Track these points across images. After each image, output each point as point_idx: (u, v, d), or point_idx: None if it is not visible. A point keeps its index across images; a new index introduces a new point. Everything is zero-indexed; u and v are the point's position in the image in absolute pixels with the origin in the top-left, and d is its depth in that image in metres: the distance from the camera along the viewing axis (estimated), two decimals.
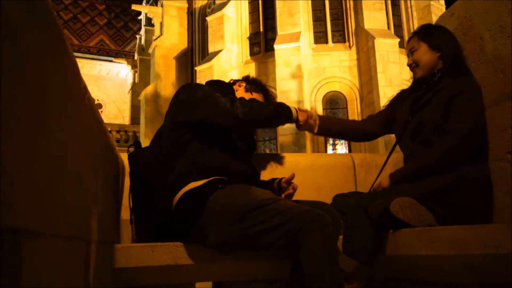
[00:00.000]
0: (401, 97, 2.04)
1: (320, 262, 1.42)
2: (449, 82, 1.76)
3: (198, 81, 14.81)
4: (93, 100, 1.21)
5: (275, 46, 13.31)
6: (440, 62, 1.84)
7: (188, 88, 1.83)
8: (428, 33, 1.90)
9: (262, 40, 14.98)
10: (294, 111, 1.89)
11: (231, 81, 2.09)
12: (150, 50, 18.78)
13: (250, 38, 15.26)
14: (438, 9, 14.44)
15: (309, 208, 1.52)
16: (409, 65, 1.93)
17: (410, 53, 1.92)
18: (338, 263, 1.46)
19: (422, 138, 1.81)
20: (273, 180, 1.96)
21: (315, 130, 2.02)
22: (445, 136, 1.70)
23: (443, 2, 15.25)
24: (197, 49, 17.63)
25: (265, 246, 1.55)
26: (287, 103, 1.93)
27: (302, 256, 1.46)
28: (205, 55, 15.91)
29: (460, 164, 1.67)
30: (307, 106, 13.13)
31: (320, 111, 13.64)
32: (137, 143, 1.90)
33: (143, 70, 20.94)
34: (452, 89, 1.73)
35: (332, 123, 2.12)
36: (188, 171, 1.65)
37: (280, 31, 13.70)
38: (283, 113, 1.85)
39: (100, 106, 26.53)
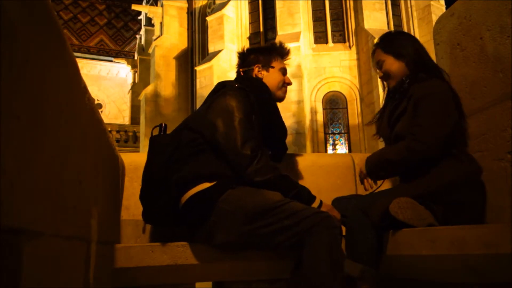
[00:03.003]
0: (381, 113, 2.03)
1: (322, 264, 1.44)
2: (417, 86, 1.76)
3: (198, 81, 14.82)
4: (93, 100, 1.21)
5: None
6: (407, 69, 1.86)
7: (229, 107, 1.71)
8: (389, 43, 1.91)
9: (262, 40, 14.97)
10: (317, 202, 1.71)
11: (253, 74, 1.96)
12: (150, 50, 18.77)
13: (250, 38, 15.26)
14: (438, 9, 14.43)
15: (318, 210, 1.56)
16: (381, 77, 1.95)
17: (378, 66, 1.93)
18: (342, 268, 1.48)
19: None
20: None
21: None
22: (407, 136, 1.70)
23: (443, 2, 15.23)
24: (197, 49, 17.63)
25: (274, 246, 1.57)
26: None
27: (306, 255, 1.48)
28: (205, 55, 15.91)
29: (437, 161, 1.68)
30: (307, 106, 13.13)
31: (320, 111, 13.64)
32: (163, 126, 1.86)
33: (143, 70, 20.94)
34: (418, 93, 1.73)
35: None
36: (196, 176, 1.64)
37: (280, 31, 13.70)
38: (302, 197, 1.70)
39: (100, 106, 26.53)
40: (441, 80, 1.78)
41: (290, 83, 2.01)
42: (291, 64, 2.13)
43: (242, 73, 2.00)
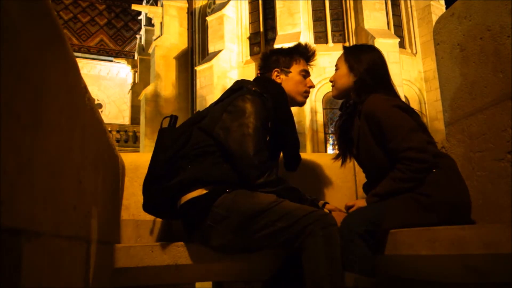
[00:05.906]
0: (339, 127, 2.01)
1: (321, 268, 1.44)
2: (364, 105, 1.75)
3: (198, 81, 14.81)
4: (93, 100, 1.21)
5: (275, 46, 13.26)
6: (353, 85, 1.83)
7: (246, 113, 1.67)
8: (352, 54, 1.87)
9: (262, 40, 14.97)
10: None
11: (270, 73, 1.90)
12: (150, 50, 18.76)
13: (250, 38, 15.25)
14: (438, 9, 14.43)
15: (313, 209, 1.54)
16: (330, 81, 1.94)
17: (335, 70, 1.92)
18: (341, 266, 1.48)
19: (371, 164, 1.81)
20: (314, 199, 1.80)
21: None
22: (397, 158, 1.64)
23: (443, 2, 15.23)
24: (197, 49, 17.62)
25: (269, 248, 1.58)
26: None
27: (304, 259, 1.47)
28: (205, 55, 15.90)
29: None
30: (307, 106, 13.13)
31: (320, 111, 13.63)
32: (173, 118, 1.83)
33: (143, 70, 20.94)
34: (365, 110, 1.73)
35: None
36: (194, 181, 1.63)
37: (280, 31, 13.70)
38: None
39: (100, 106, 26.54)
40: (383, 93, 1.75)
41: (312, 86, 1.93)
42: None
43: (260, 75, 1.94)
